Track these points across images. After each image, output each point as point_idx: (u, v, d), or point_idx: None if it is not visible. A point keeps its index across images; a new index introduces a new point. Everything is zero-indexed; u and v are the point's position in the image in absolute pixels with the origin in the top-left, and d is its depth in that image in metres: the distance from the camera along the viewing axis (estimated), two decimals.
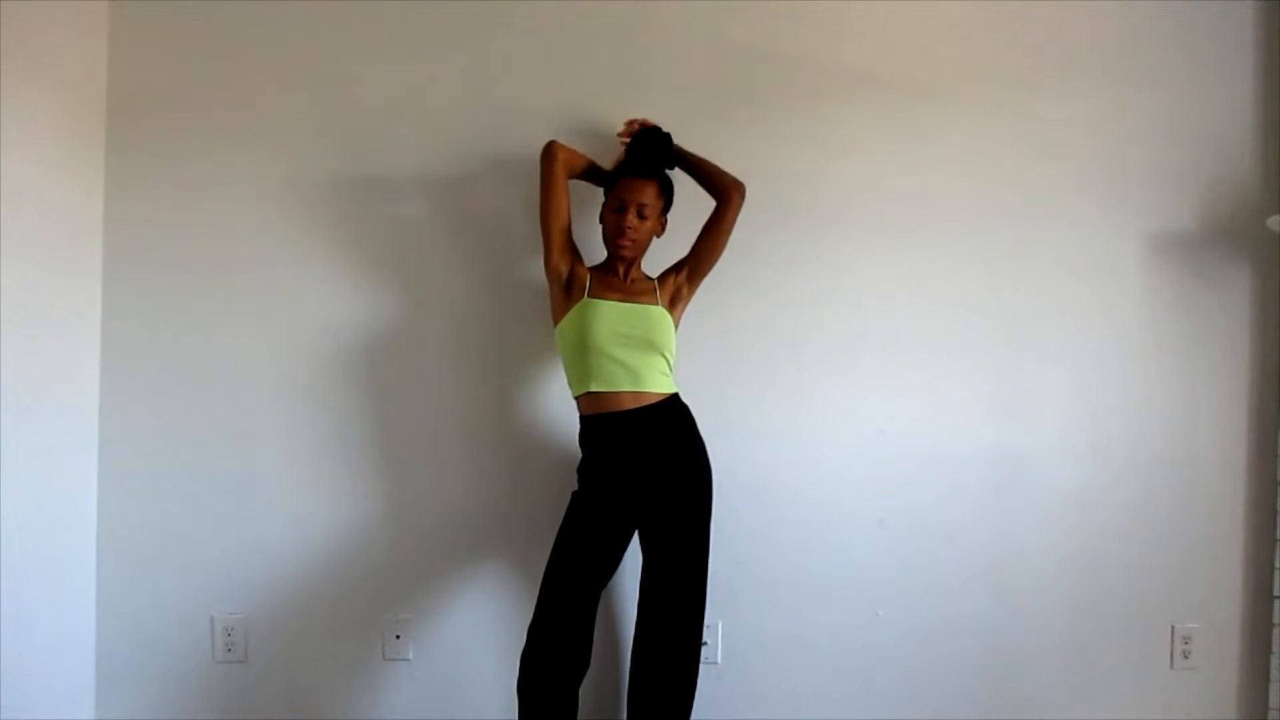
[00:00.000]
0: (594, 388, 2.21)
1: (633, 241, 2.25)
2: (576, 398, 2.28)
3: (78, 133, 2.42)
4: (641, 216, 2.23)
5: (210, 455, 2.52)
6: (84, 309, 2.47)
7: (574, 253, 2.31)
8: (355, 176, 2.54)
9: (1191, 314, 2.67)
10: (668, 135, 2.33)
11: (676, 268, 2.36)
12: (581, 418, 2.29)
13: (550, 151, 2.26)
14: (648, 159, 2.30)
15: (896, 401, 2.62)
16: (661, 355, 2.24)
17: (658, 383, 2.23)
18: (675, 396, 2.28)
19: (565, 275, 2.27)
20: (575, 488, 2.29)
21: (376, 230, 2.54)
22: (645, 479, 2.21)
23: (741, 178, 2.55)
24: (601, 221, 2.32)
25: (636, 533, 2.28)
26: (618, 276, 2.31)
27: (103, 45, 2.49)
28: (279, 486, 2.53)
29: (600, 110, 2.54)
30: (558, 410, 2.51)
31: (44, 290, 2.30)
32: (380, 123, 2.54)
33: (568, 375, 2.29)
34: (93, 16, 2.47)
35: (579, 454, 2.32)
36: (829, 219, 2.60)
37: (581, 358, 2.22)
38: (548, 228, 2.27)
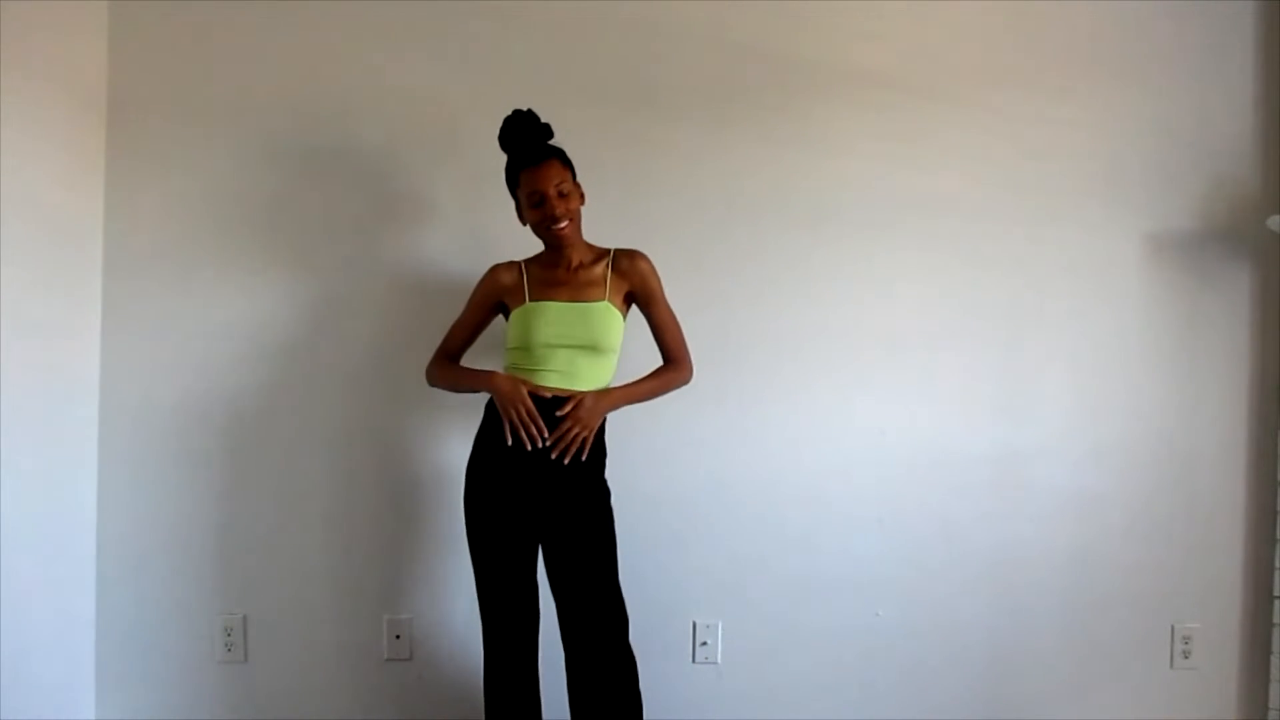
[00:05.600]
0: (526, 378, 2.12)
1: (569, 222, 2.15)
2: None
3: (78, 133, 2.43)
4: (562, 195, 2.12)
5: (210, 455, 2.52)
6: (84, 310, 2.47)
7: (489, 309, 2.26)
8: (354, 176, 2.54)
9: (1191, 314, 2.66)
10: (529, 111, 2.17)
11: (632, 281, 2.20)
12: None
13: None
14: (528, 141, 2.15)
15: (896, 401, 2.62)
16: (604, 354, 2.15)
17: (589, 381, 2.14)
18: None
19: (496, 309, 2.25)
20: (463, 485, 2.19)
21: (377, 231, 2.55)
22: (538, 463, 2.09)
23: (741, 178, 2.58)
24: (524, 222, 2.20)
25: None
26: (562, 266, 2.20)
27: (103, 45, 2.49)
28: (279, 486, 2.54)
29: (600, 111, 2.54)
30: None
31: (44, 291, 2.30)
32: (379, 123, 2.54)
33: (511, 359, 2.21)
34: (93, 16, 2.47)
35: None
36: (829, 218, 2.60)
37: (523, 355, 2.14)
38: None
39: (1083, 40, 2.64)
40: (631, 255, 2.23)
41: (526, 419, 2.06)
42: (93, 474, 2.49)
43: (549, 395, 2.09)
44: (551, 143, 2.17)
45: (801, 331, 2.60)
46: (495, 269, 2.25)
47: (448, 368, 2.27)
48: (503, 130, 2.17)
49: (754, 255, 2.58)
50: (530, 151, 2.14)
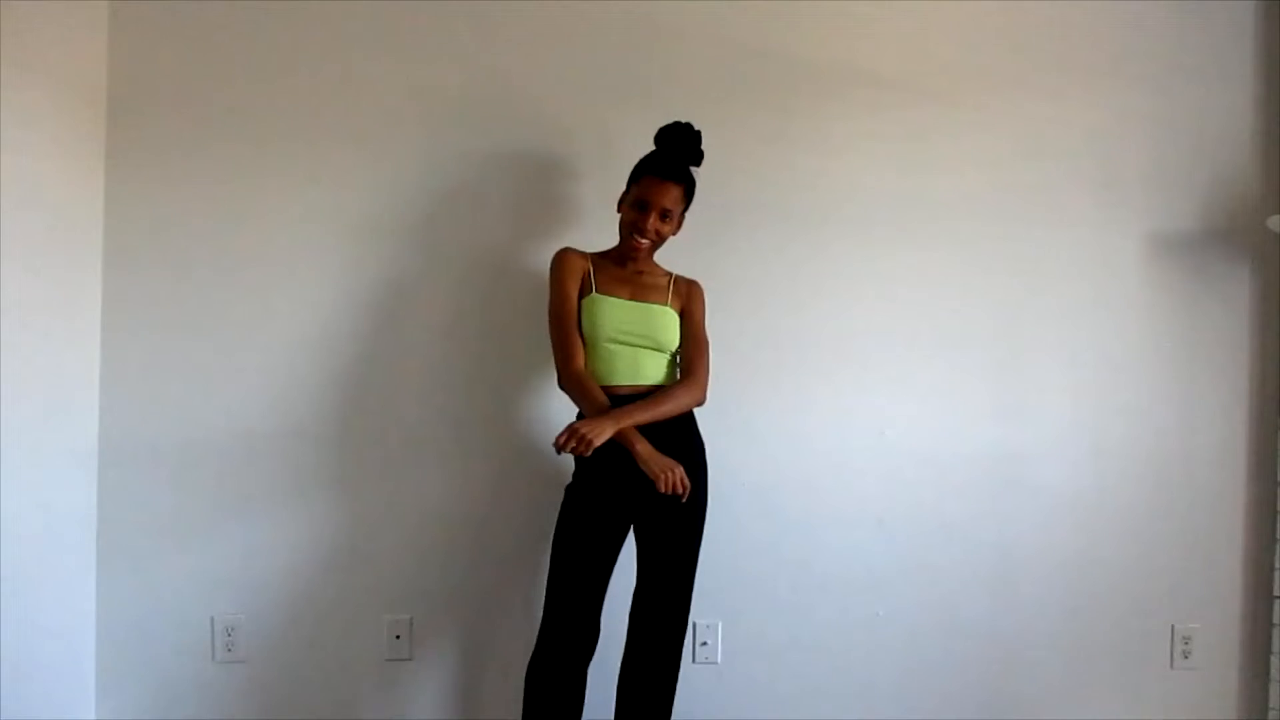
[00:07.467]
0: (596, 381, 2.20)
1: (650, 243, 2.22)
2: None
3: (78, 132, 2.42)
4: (663, 218, 2.20)
5: (210, 455, 2.52)
6: (84, 308, 2.46)
7: (579, 286, 2.24)
8: (354, 176, 2.54)
9: (1191, 314, 2.67)
10: (698, 133, 2.23)
11: (684, 299, 2.29)
12: None
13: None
14: (676, 156, 2.20)
15: (896, 401, 2.62)
16: (667, 353, 2.24)
17: (660, 377, 2.22)
18: None
19: (582, 285, 2.25)
20: (569, 481, 2.26)
21: (377, 230, 2.54)
22: (638, 468, 2.16)
23: (741, 177, 2.58)
24: (619, 209, 2.27)
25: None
26: (626, 267, 2.27)
27: (103, 45, 2.49)
28: (279, 486, 2.53)
29: (600, 110, 2.54)
30: (558, 408, 2.51)
31: (44, 289, 2.30)
32: (380, 123, 2.54)
33: None
34: (93, 16, 2.47)
35: None
36: (829, 218, 2.60)
37: (590, 354, 2.21)
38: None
39: (1083, 41, 2.65)
40: (690, 281, 2.34)
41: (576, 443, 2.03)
42: (93, 474, 2.49)
43: (624, 392, 2.16)
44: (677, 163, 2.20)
45: (801, 332, 2.60)
46: (566, 252, 2.28)
47: (583, 383, 2.18)
48: (665, 134, 2.22)
49: (753, 256, 2.58)
50: (668, 165, 2.18)
